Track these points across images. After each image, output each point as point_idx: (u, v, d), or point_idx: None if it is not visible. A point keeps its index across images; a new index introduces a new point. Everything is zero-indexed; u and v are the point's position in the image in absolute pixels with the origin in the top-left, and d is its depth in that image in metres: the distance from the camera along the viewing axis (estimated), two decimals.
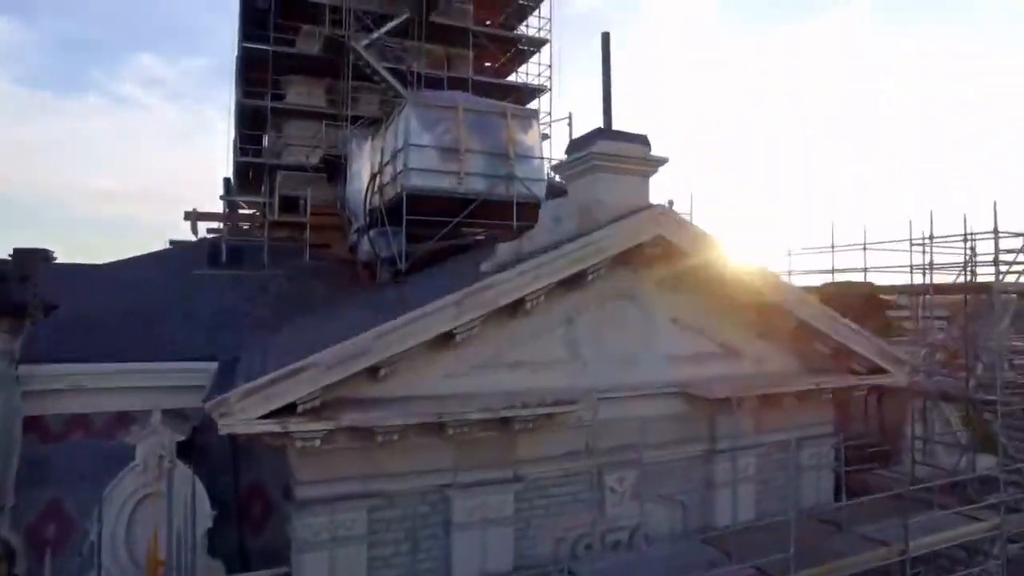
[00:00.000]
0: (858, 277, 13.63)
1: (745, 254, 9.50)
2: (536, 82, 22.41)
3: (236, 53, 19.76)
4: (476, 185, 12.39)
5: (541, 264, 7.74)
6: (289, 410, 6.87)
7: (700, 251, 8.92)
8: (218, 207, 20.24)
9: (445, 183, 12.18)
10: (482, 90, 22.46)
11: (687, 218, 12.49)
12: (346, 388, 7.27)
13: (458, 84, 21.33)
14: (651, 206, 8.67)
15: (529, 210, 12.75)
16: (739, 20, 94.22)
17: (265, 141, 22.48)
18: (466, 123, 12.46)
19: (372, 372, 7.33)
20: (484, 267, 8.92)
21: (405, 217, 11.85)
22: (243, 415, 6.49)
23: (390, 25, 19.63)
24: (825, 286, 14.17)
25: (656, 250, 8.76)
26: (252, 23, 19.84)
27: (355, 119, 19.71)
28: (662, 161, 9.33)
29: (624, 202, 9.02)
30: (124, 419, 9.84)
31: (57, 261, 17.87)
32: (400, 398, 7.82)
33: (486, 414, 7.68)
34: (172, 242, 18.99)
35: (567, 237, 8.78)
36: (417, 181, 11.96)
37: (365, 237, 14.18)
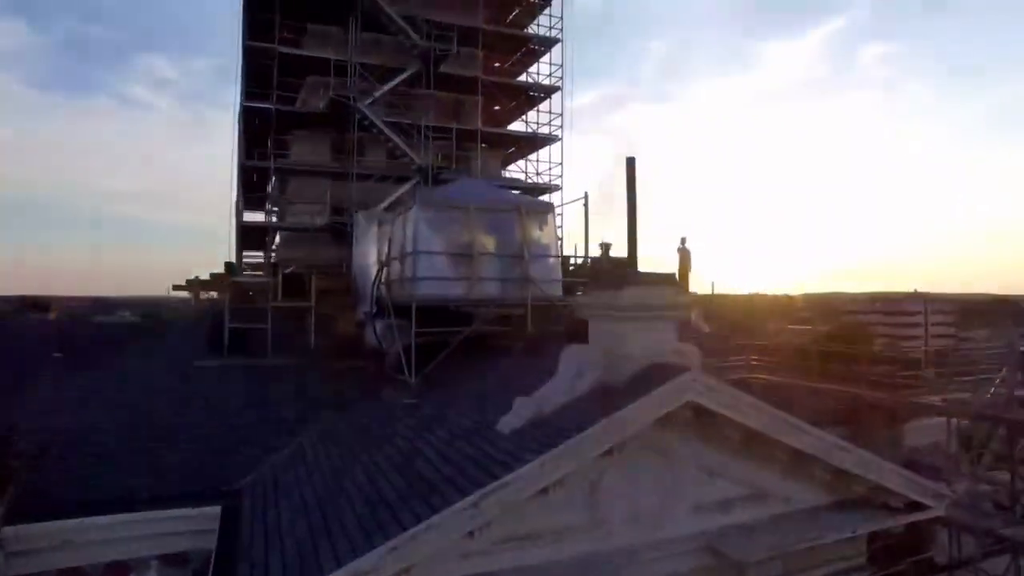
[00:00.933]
0: None
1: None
2: (546, 131, 21.73)
3: (238, 111, 19.14)
4: (489, 289, 11.79)
5: (562, 456, 7.15)
6: None
7: (731, 410, 8.32)
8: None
9: (457, 290, 11.59)
10: (492, 140, 21.87)
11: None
12: None
13: (467, 135, 20.76)
14: (681, 372, 8.04)
15: (544, 311, 12.18)
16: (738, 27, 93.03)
17: (269, 187, 21.90)
18: (478, 223, 11.84)
19: None
20: (500, 427, 8.38)
21: (414, 329, 11.24)
22: None
23: (397, 80, 19.01)
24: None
25: (686, 412, 8.16)
26: (253, 81, 19.19)
27: (361, 177, 19.14)
28: (690, 304, 8.76)
29: (650, 349, 8.49)
30: (120, 569, 9.34)
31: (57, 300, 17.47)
32: None
33: None
34: (175, 287, 18.47)
35: (589, 396, 8.25)
36: (427, 290, 11.37)
37: (371, 327, 13.59)
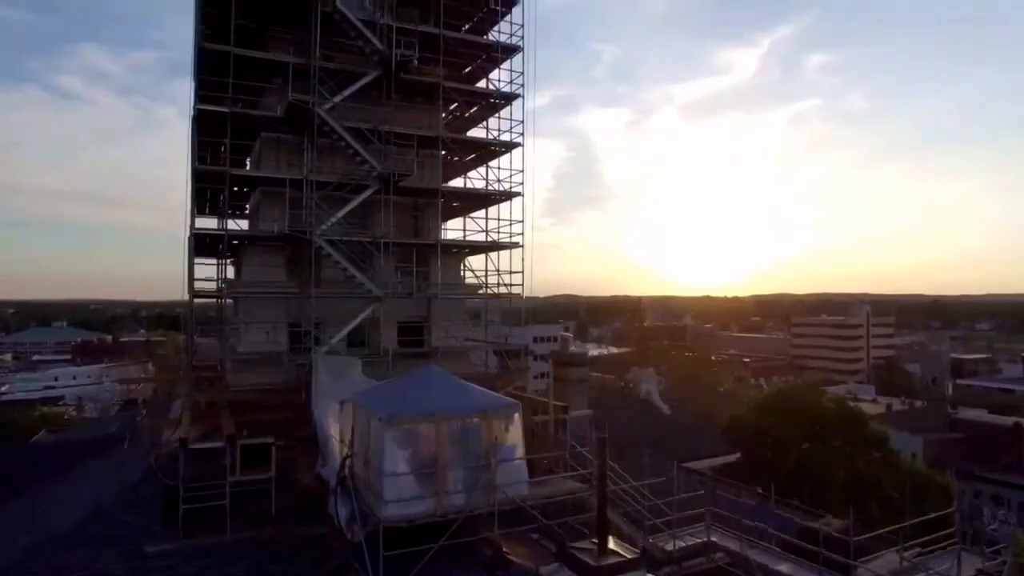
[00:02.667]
0: None
1: None
2: (506, 238, 21.58)
3: (186, 233, 18.37)
4: (455, 501, 11.70)
5: None
6: None
7: None
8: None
9: (424, 507, 11.48)
10: (450, 249, 21.67)
11: None
12: None
13: (425, 249, 20.53)
14: None
15: (509, 514, 12.22)
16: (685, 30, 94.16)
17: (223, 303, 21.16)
18: (445, 434, 11.74)
19: None
20: None
21: (382, 553, 11.09)
22: None
23: (353, 204, 18.53)
24: None
25: None
26: (202, 206, 18.45)
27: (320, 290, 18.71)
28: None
29: None
30: None
31: None
32: None
33: None
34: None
35: None
36: (394, 512, 11.23)
37: (335, 508, 13.36)
